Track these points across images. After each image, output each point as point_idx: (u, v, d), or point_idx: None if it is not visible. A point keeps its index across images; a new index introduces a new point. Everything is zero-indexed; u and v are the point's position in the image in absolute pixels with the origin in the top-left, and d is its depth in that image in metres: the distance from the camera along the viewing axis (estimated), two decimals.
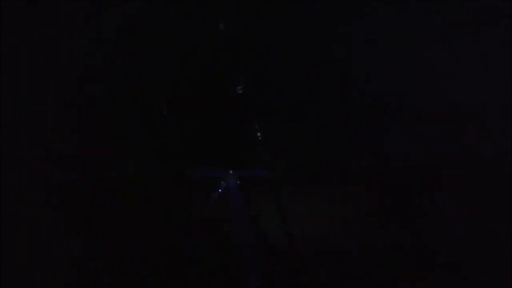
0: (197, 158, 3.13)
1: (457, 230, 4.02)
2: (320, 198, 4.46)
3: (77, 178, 4.49)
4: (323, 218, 4.22)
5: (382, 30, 5.08)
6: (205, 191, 2.89)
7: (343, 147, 4.90)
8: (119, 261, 3.74)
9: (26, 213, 4.07)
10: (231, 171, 2.91)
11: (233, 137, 3.97)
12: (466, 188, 4.43)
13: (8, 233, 3.79)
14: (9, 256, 3.61)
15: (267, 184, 2.92)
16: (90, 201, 4.30)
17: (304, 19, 4.96)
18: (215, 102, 4.04)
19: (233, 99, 2.89)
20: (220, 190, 2.75)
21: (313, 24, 4.98)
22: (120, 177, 4.48)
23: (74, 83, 4.76)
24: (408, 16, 5.06)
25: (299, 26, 4.95)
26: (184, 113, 3.18)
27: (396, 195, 4.47)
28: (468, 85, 5.00)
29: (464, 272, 3.64)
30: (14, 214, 3.98)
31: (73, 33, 4.74)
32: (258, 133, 2.90)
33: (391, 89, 5.09)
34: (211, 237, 3.87)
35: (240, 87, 2.91)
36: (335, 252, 3.89)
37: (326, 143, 4.87)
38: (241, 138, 3.51)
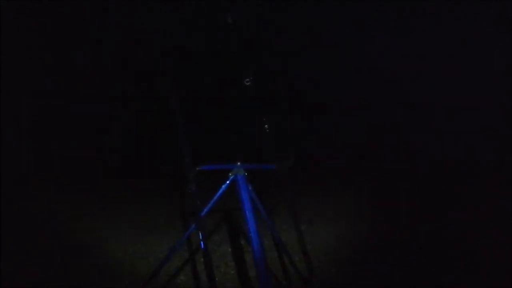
0: (205, 151, 3.13)
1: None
2: (328, 193, 4.47)
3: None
4: (332, 214, 4.23)
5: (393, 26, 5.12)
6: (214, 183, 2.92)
7: (352, 142, 4.92)
8: None
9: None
10: (238, 163, 2.92)
11: (241, 130, 3.97)
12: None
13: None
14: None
15: (275, 177, 2.92)
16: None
17: (316, 11, 4.99)
18: (223, 94, 4.05)
19: (241, 92, 2.89)
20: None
21: (326, 16, 5.01)
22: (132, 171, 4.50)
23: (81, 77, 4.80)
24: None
25: (310, 17, 4.98)
26: (192, 106, 3.18)
27: (402, 191, 4.48)
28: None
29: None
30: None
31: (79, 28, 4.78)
32: (266, 126, 2.90)
33: (398, 85, 5.12)
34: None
35: (247, 79, 2.91)
36: (343, 249, 3.90)
37: (335, 137, 4.89)
38: (249, 131, 3.51)
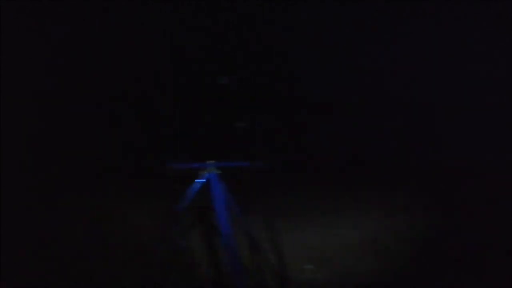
0: (178, 149, 3.14)
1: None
2: (307, 193, 4.45)
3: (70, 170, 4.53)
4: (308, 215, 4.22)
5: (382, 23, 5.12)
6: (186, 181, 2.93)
7: (352, 142, 4.92)
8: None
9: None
10: (212, 162, 2.93)
11: (215, 128, 3.97)
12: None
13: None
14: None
15: (249, 175, 2.93)
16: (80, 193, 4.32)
17: (316, 11, 5.00)
18: (198, 92, 4.05)
19: (217, 90, 2.90)
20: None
21: (326, 16, 5.01)
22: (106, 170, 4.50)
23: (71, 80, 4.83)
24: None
25: (292, 14, 4.98)
26: (167, 104, 3.19)
27: (402, 191, 4.46)
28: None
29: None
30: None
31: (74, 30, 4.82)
32: (243, 124, 2.91)
33: (386, 83, 5.12)
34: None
35: (223, 78, 2.92)
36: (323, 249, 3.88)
37: (334, 137, 4.89)
38: (223, 129, 3.51)
